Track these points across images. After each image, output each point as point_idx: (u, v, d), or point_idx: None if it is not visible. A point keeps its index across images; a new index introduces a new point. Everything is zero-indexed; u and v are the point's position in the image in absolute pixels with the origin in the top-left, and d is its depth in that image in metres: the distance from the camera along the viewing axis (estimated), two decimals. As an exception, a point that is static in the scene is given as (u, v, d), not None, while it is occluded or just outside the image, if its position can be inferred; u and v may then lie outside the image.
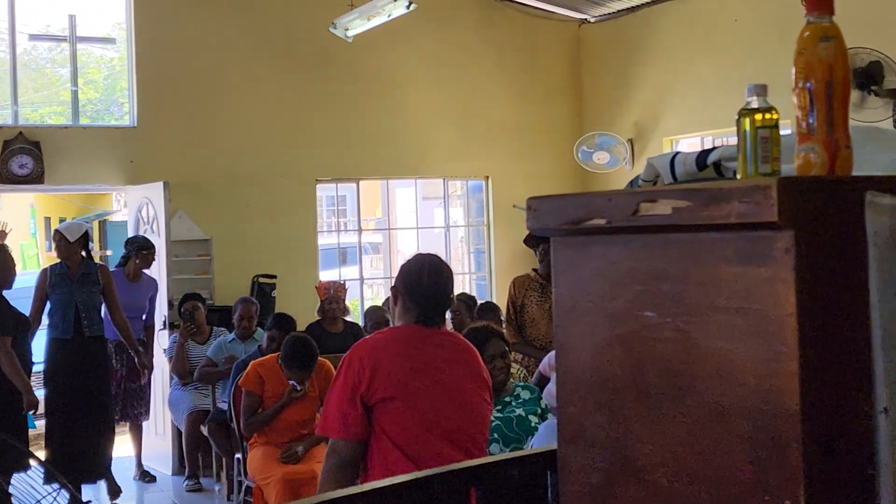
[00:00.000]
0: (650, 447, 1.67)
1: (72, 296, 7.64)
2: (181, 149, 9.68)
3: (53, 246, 7.92)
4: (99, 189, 10.62)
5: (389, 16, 8.89)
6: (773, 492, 1.49)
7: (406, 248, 14.34)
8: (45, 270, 7.89)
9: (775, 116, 1.74)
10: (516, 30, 11.34)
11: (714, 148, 2.08)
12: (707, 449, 1.57)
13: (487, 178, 11.32)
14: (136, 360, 8.17)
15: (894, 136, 2.04)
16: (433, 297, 3.59)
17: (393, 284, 3.72)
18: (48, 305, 7.72)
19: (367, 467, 3.40)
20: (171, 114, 9.67)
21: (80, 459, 7.41)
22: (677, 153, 2.13)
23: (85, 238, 7.84)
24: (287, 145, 10.17)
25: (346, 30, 9.13)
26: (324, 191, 10.72)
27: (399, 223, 12.56)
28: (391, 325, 3.98)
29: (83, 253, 7.85)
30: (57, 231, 7.91)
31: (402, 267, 3.73)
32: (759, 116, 1.73)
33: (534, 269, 6.97)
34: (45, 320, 7.82)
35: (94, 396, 7.70)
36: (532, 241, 6.94)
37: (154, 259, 8.64)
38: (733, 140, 2.12)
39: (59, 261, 7.84)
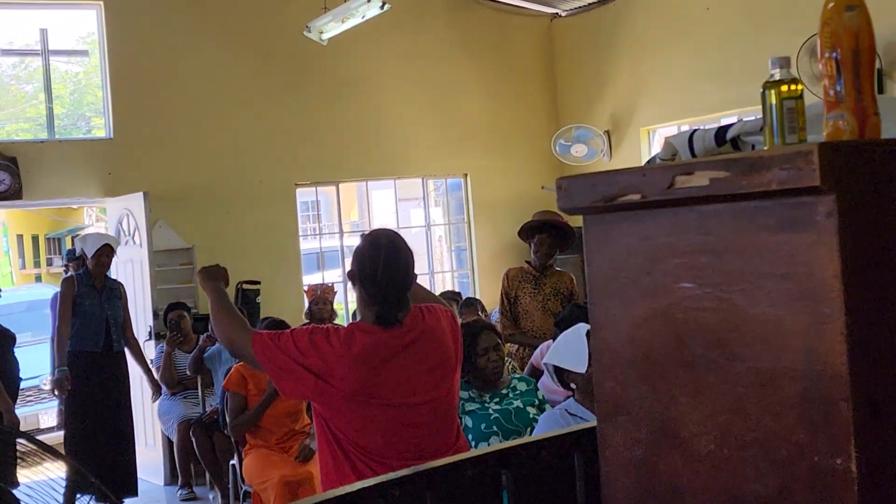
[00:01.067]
0: (696, 416, 1.70)
1: (102, 309, 7.69)
2: (159, 158, 9.63)
3: (95, 258, 7.77)
4: (78, 202, 10.57)
5: (363, 17, 8.90)
6: (823, 452, 1.52)
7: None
8: (70, 279, 7.91)
9: (800, 87, 1.77)
10: (489, 26, 11.38)
11: (732, 123, 2.10)
12: (755, 414, 1.60)
13: (466, 175, 11.35)
14: (148, 379, 8.26)
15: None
16: (391, 293, 3.25)
17: (350, 269, 3.35)
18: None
19: (339, 464, 3.25)
20: (147, 124, 9.63)
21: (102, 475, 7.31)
22: (696, 130, 2.15)
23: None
24: (265, 151, 10.15)
25: (321, 33, 9.13)
26: (299, 196, 10.71)
27: (377, 224, 12.53)
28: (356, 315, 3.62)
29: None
30: (107, 244, 7.89)
31: (358, 248, 3.33)
32: (784, 88, 1.76)
33: (527, 262, 7.01)
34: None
35: (118, 411, 7.76)
36: (525, 233, 6.98)
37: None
38: (711, 127, 2.15)
39: (80, 271, 7.91)
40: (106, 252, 7.83)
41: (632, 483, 1.84)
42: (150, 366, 8.47)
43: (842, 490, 1.50)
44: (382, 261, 3.23)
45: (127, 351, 8.00)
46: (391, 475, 2.16)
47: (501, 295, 6.95)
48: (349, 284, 11.25)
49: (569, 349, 4.14)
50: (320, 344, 3.20)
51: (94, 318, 7.64)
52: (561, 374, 4.29)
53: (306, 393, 3.27)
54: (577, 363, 4.08)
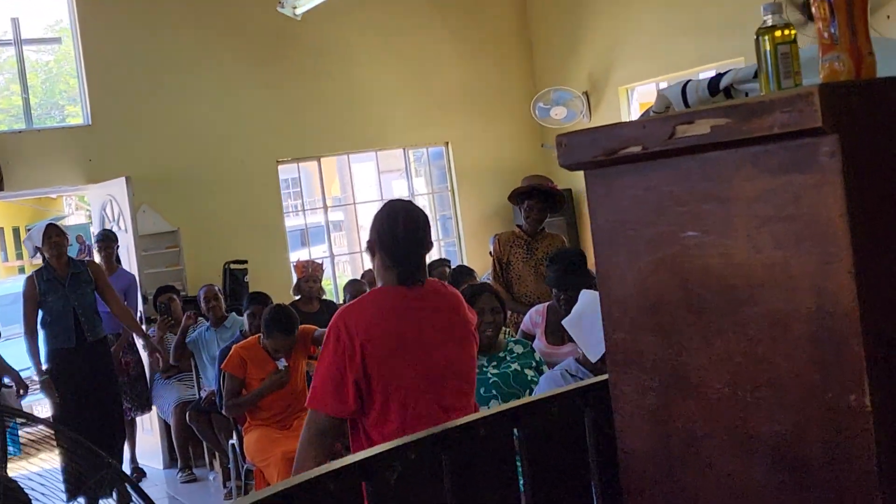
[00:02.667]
0: (707, 362, 1.72)
1: (67, 301, 7.17)
2: (139, 143, 9.58)
3: (46, 244, 7.24)
4: (59, 190, 10.53)
5: (336, -10, 8.86)
6: (836, 389, 1.55)
7: (370, 223, 14.30)
8: (30, 278, 7.35)
9: (793, 32, 1.78)
10: (462, -8, 11.37)
11: (725, 73, 2.12)
12: (767, 356, 1.63)
13: (447, 143, 11.34)
14: (145, 344, 7.90)
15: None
16: (412, 253, 3.34)
17: (369, 240, 3.41)
18: (40, 314, 7.19)
19: (364, 437, 3.33)
20: (125, 109, 9.57)
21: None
22: (688, 81, 2.17)
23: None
24: (245, 129, 10.11)
25: (295, 8, 9.09)
26: (281, 173, 10.68)
27: (359, 199, 12.53)
28: (375, 285, 3.71)
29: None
30: (52, 224, 7.43)
31: (375, 218, 3.41)
32: (778, 33, 1.77)
33: (518, 226, 7.00)
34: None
35: (104, 402, 7.33)
36: (516, 197, 6.97)
37: (113, 251, 8.60)
38: (703, 78, 2.17)
39: (41, 266, 7.37)
40: (54, 233, 7.26)
41: (647, 432, 1.87)
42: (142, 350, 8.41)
43: (856, 425, 1.53)
44: (402, 223, 3.32)
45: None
46: (406, 438, 2.18)
47: (493, 260, 6.93)
48: (336, 261, 11.22)
49: (591, 333, 4.06)
50: (342, 321, 3.26)
51: (61, 313, 7.17)
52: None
53: (353, 394, 3.27)
54: (593, 350, 4.03)
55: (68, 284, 7.19)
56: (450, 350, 3.41)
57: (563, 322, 4.45)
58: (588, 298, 4.34)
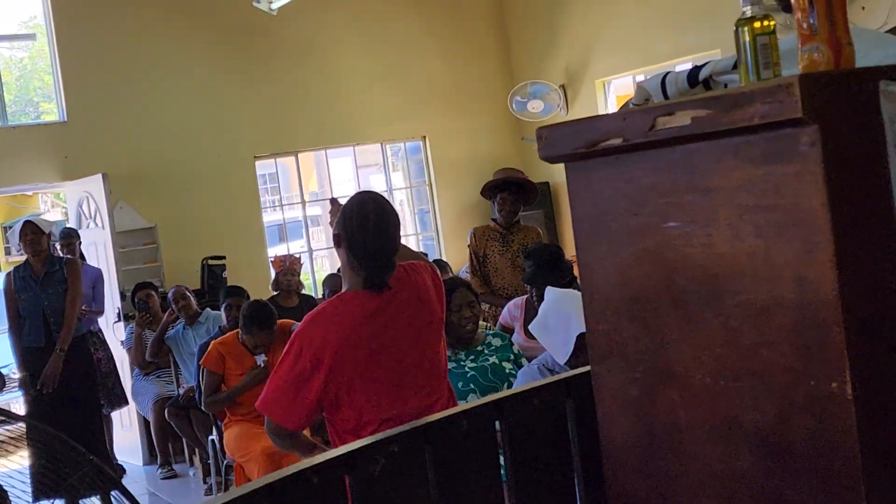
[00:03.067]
0: (690, 351, 1.73)
1: (38, 299, 7.06)
2: (115, 139, 9.54)
3: (22, 242, 7.19)
4: (35, 188, 10.46)
5: (312, -16, 8.84)
6: (819, 377, 1.56)
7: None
8: (8, 275, 7.28)
9: (772, 23, 1.79)
10: (438, -14, 11.37)
11: (704, 64, 2.13)
12: (750, 345, 1.64)
13: (425, 138, 11.33)
14: (53, 357, 7.12)
15: (881, 34, 2.11)
16: (380, 252, 3.18)
17: (335, 231, 3.26)
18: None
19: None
20: (100, 105, 9.52)
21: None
22: (667, 73, 2.18)
23: (49, 236, 7.29)
24: (222, 125, 10.08)
25: (270, 3, 9.07)
26: (259, 169, 10.65)
27: (337, 194, 12.50)
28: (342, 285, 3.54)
29: (49, 250, 7.27)
30: (28, 221, 7.27)
31: (344, 210, 3.24)
32: (757, 24, 1.78)
33: (493, 220, 7.00)
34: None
35: (79, 402, 7.16)
36: (487, 192, 6.97)
37: (76, 247, 8.53)
38: (682, 70, 2.17)
39: (22, 262, 7.25)
40: (29, 230, 7.12)
41: (630, 423, 1.87)
42: (121, 347, 8.35)
43: (839, 412, 1.54)
44: (372, 227, 3.16)
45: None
46: (389, 432, 2.18)
47: (470, 254, 6.93)
48: (314, 255, 11.15)
49: (556, 335, 4.06)
50: (306, 338, 3.15)
51: (31, 312, 7.07)
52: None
53: (316, 405, 3.21)
54: (560, 351, 4.03)
55: (40, 283, 7.09)
56: (422, 346, 3.31)
57: (529, 327, 4.44)
58: (552, 297, 4.33)
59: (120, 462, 8.65)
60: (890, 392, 1.56)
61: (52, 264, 7.20)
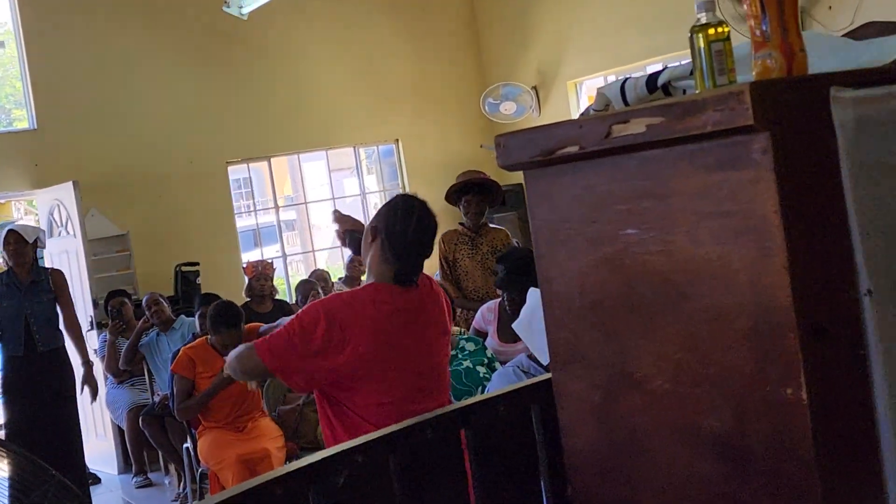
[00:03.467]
0: (650, 357, 1.74)
1: (21, 307, 6.95)
2: (86, 146, 9.49)
3: (5, 251, 7.06)
4: (5, 196, 10.38)
5: (282, -12, 8.82)
6: (774, 382, 1.57)
7: (321, 222, 14.30)
8: None
9: (727, 29, 1.80)
10: (409, -11, 11.37)
11: (662, 70, 2.13)
12: (707, 350, 1.65)
13: (397, 141, 11.33)
14: (84, 371, 7.32)
15: (836, 39, 2.12)
16: (417, 254, 3.28)
17: (372, 224, 3.34)
18: None
19: (338, 431, 3.27)
20: (71, 112, 9.47)
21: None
22: (627, 79, 2.18)
23: (35, 243, 7.15)
24: (194, 130, 10.04)
25: (241, 7, 9.03)
26: (231, 174, 10.62)
27: (310, 198, 12.49)
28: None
29: (34, 258, 7.16)
30: (11, 230, 7.13)
31: (389, 208, 3.35)
32: (711, 31, 1.79)
33: (460, 223, 6.98)
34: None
35: (57, 416, 7.03)
36: (452, 197, 6.94)
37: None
38: (641, 75, 2.18)
39: (5, 268, 7.14)
40: (13, 239, 7.00)
41: (592, 429, 1.88)
42: (94, 355, 8.28)
43: (794, 417, 1.55)
44: (415, 220, 3.27)
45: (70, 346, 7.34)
46: (352, 441, 2.18)
47: (440, 260, 6.90)
48: (289, 260, 11.12)
49: (541, 335, 4.05)
50: (337, 314, 3.17)
51: (12, 320, 6.94)
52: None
53: (318, 377, 3.19)
54: (542, 351, 4.00)
55: (25, 291, 7.00)
56: (437, 353, 3.39)
57: (513, 325, 4.43)
58: (536, 298, 4.33)
59: (93, 471, 8.62)
60: (845, 397, 1.57)
61: (38, 273, 7.13)
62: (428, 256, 3.34)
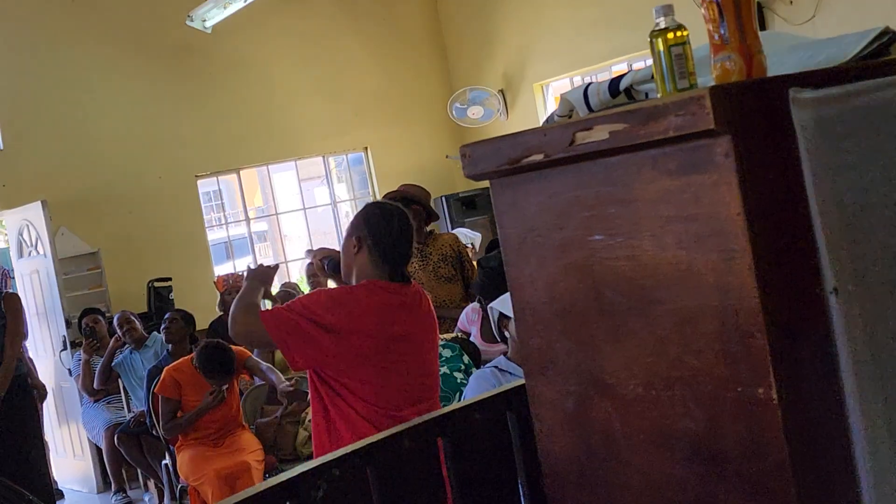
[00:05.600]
0: (621, 362, 1.75)
1: None
2: (53, 165, 9.42)
3: None
4: (-27, 218, 10.31)
5: (245, 1, 8.80)
6: (745, 383, 1.58)
7: (293, 232, 14.26)
8: None
9: (685, 33, 1.81)
10: (372, -3, 11.37)
11: (624, 74, 2.15)
12: (677, 354, 1.66)
13: (366, 148, 11.32)
14: None
15: (794, 38, 2.14)
16: (404, 254, 3.48)
17: (354, 234, 3.46)
18: None
19: (336, 429, 3.36)
20: (37, 131, 9.40)
21: None
22: (589, 84, 2.19)
23: None
24: (162, 146, 9.99)
25: (204, 21, 9.02)
26: (201, 187, 10.58)
27: (281, 209, 12.45)
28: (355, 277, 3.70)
29: None
30: None
31: (368, 215, 3.50)
32: (670, 35, 1.80)
33: None
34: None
35: (18, 441, 6.66)
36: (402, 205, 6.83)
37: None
38: (603, 76, 2.20)
39: None
40: None
41: (566, 435, 1.89)
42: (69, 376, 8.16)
43: (766, 417, 1.56)
44: (397, 223, 3.46)
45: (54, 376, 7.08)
46: (329, 455, 2.18)
47: None
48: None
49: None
50: (344, 298, 3.35)
51: None
52: (501, 324, 4.30)
53: (320, 356, 3.29)
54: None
55: None
56: (429, 356, 3.52)
57: (489, 306, 4.44)
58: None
59: (61, 488, 8.56)
60: (816, 395, 1.58)
61: None
62: (410, 256, 3.54)
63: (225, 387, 6.39)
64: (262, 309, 3.40)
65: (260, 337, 3.39)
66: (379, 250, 3.42)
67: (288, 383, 6.37)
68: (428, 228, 6.75)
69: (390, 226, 3.44)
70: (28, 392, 6.99)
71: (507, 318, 4.15)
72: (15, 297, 7.07)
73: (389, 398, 3.32)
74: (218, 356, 6.37)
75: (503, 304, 4.23)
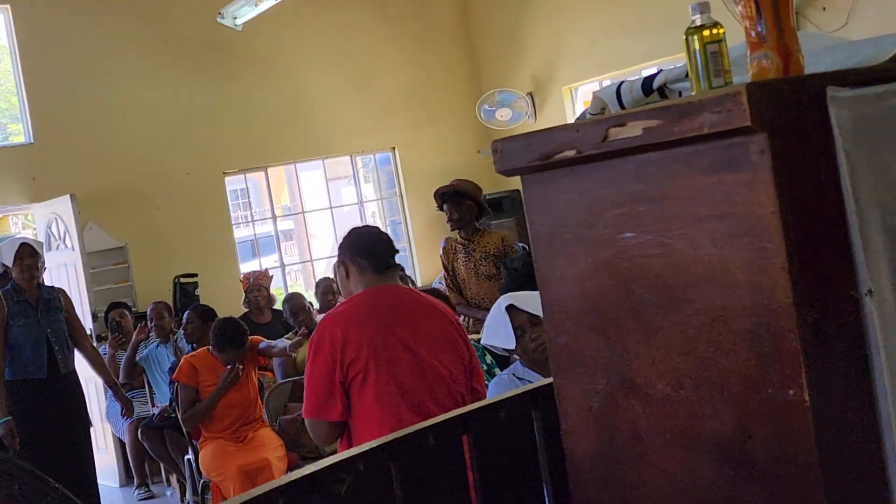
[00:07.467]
0: (649, 362, 1.73)
1: (39, 327, 6.44)
2: (83, 159, 9.49)
3: (17, 266, 6.53)
4: (3, 210, 10.33)
5: (276, -1, 8.82)
6: (776, 384, 1.56)
7: (319, 232, 14.29)
8: None
9: (722, 31, 1.79)
10: (403, -3, 11.38)
11: (657, 73, 2.13)
12: (707, 354, 1.64)
13: (394, 149, 11.33)
14: (116, 396, 7.09)
15: (830, 38, 2.12)
16: (379, 245, 3.67)
17: (339, 263, 3.74)
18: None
19: (355, 437, 3.47)
20: (67, 126, 9.47)
21: None
22: (622, 82, 2.18)
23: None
24: (190, 142, 10.04)
25: (235, 18, 9.04)
26: (228, 184, 10.61)
27: (308, 207, 12.47)
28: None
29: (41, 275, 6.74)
30: (26, 244, 6.66)
31: (343, 240, 3.77)
32: (706, 33, 1.79)
33: (459, 233, 6.95)
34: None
35: (74, 446, 6.57)
36: (440, 207, 6.89)
37: None
38: (637, 78, 2.18)
39: (6, 287, 6.59)
40: (28, 254, 6.54)
41: (592, 434, 1.87)
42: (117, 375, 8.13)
43: (797, 419, 1.54)
44: (364, 230, 3.84)
45: (87, 367, 6.94)
46: (355, 449, 2.17)
47: (444, 269, 6.89)
48: (287, 270, 11.15)
49: (496, 328, 4.06)
50: (329, 324, 3.53)
51: (32, 340, 6.43)
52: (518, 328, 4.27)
53: (343, 403, 3.48)
54: (506, 341, 4.04)
55: (40, 309, 6.54)
56: (443, 356, 3.57)
57: (481, 343, 4.42)
58: (490, 313, 4.25)
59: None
60: (847, 398, 1.56)
61: (48, 291, 6.74)
62: (393, 251, 3.72)
63: (239, 366, 6.40)
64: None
65: (319, 430, 3.55)
66: (356, 255, 3.64)
67: (297, 338, 6.65)
68: (479, 225, 6.78)
69: (357, 233, 3.76)
70: (80, 387, 6.91)
71: (536, 323, 4.06)
72: (65, 292, 7.01)
73: (392, 400, 3.44)
74: (229, 328, 6.42)
75: (488, 336, 4.17)
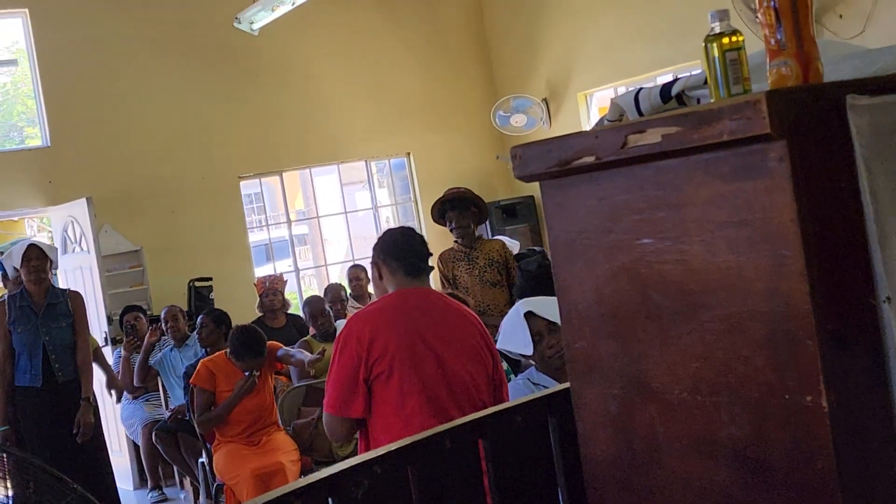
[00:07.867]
0: (666, 367, 1.74)
1: (37, 334, 6.32)
2: (99, 163, 9.52)
3: (24, 267, 6.43)
4: (20, 213, 10.39)
5: (293, 3, 8.83)
6: (793, 390, 1.57)
7: (333, 236, 14.30)
8: (2, 303, 6.46)
9: (741, 39, 1.80)
10: (418, 3, 11.36)
11: (676, 80, 2.14)
12: (724, 359, 1.64)
13: (409, 154, 11.34)
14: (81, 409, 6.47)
15: (849, 46, 2.12)
16: (413, 248, 3.66)
17: (373, 264, 3.74)
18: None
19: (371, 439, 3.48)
20: (84, 129, 9.50)
21: None
22: (640, 89, 2.18)
23: (51, 262, 6.58)
24: (206, 146, 10.07)
25: (251, 23, 9.06)
26: (243, 188, 10.63)
27: (322, 212, 12.49)
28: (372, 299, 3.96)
29: (51, 279, 6.61)
30: (34, 245, 6.53)
31: (376, 242, 3.78)
32: (725, 40, 1.79)
33: (455, 241, 6.95)
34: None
35: (79, 456, 6.35)
36: (438, 218, 6.88)
37: None
38: (655, 85, 2.19)
39: (16, 290, 6.53)
40: (35, 255, 6.39)
41: (609, 439, 1.88)
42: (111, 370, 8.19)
43: (814, 425, 1.54)
44: (399, 232, 3.83)
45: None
46: (372, 453, 2.18)
47: (441, 279, 6.87)
48: (301, 275, 11.13)
49: (514, 334, 4.08)
50: (357, 324, 3.54)
51: (29, 348, 6.30)
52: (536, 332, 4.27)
53: (365, 402, 3.49)
54: (524, 346, 4.05)
55: (42, 315, 6.41)
56: (468, 363, 3.57)
57: (497, 347, 4.42)
58: (507, 318, 4.26)
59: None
60: (865, 404, 1.56)
61: (55, 296, 6.55)
62: (426, 255, 3.71)
63: (256, 373, 6.41)
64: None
65: (337, 426, 3.55)
66: (390, 257, 3.64)
67: (315, 355, 6.57)
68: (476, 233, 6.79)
69: (392, 236, 3.75)
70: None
71: (553, 330, 4.06)
72: (80, 297, 6.84)
73: (413, 402, 3.44)
74: (248, 337, 6.41)
75: (504, 341, 4.17)
